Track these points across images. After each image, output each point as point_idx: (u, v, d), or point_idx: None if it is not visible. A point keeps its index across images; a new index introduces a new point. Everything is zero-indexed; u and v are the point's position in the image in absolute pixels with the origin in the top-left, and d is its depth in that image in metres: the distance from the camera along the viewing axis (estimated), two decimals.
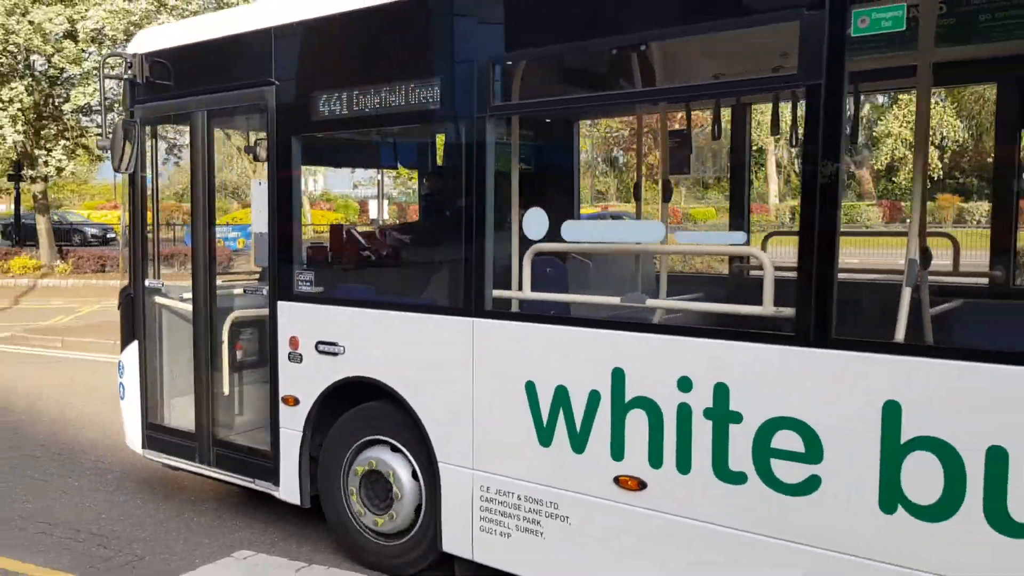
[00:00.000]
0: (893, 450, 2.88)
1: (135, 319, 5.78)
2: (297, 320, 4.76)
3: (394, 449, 4.48)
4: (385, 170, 8.39)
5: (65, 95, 21.44)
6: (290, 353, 4.80)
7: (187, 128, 5.33)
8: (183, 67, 5.32)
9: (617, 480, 3.56)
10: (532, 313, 3.92)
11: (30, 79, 20.99)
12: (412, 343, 4.25)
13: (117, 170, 5.52)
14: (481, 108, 3.86)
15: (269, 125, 4.79)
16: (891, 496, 2.90)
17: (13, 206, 29.66)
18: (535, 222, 3.80)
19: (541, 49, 3.99)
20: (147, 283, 5.71)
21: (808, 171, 2.99)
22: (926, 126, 3.57)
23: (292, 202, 4.79)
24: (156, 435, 5.74)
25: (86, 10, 19.69)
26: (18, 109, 20.12)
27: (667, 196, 5.37)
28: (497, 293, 3.99)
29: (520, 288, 3.95)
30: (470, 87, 3.89)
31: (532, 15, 3.89)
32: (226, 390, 5.33)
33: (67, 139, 22.29)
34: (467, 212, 3.97)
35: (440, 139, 4.54)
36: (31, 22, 19.57)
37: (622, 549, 3.60)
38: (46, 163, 21.36)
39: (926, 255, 3.85)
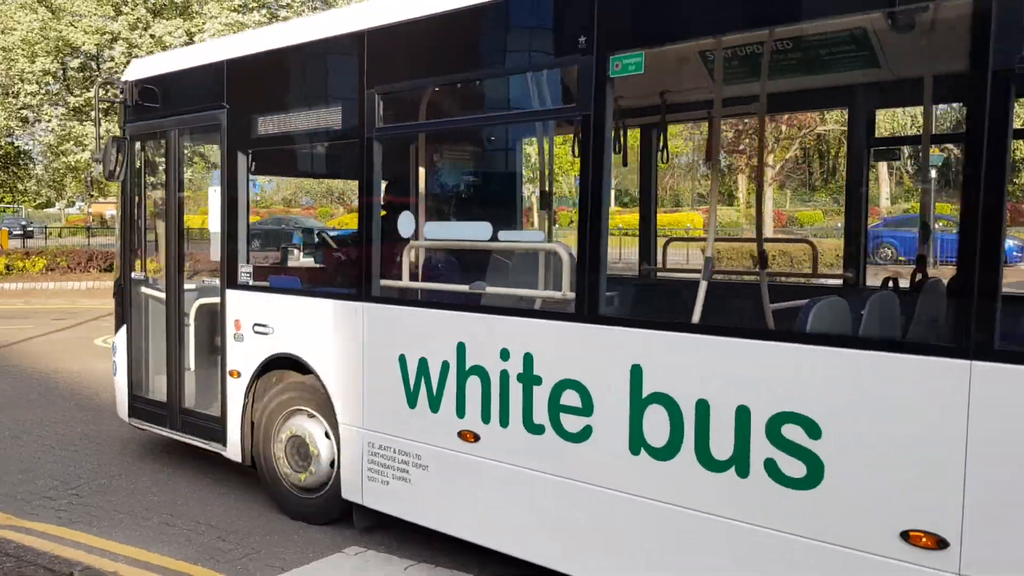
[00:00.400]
0: (637, 404, 3.63)
1: (123, 307, 6.78)
2: (240, 305, 5.67)
3: (311, 416, 5.35)
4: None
5: None
6: (235, 334, 5.71)
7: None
8: (162, 92, 6.30)
9: (460, 434, 4.37)
10: (401, 298, 4.76)
11: None
12: (320, 324, 5.13)
13: (110, 179, 6.54)
14: (369, 130, 4.73)
15: (222, 141, 5.73)
16: (637, 441, 3.65)
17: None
18: (406, 223, 4.65)
19: (404, 84, 4.84)
20: (133, 275, 6.71)
21: (582, 185, 3.78)
22: (717, 147, 4.31)
23: (239, 205, 5.71)
24: (139, 405, 6.72)
25: (203, 23, 20.82)
26: None
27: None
28: (384, 282, 4.84)
29: (401, 278, 4.80)
30: (360, 113, 4.76)
31: (396, 61, 4.75)
32: (191, 366, 6.27)
33: None
34: (361, 214, 4.85)
35: (345, 154, 5.39)
36: (152, 35, 20.77)
37: (467, 490, 4.39)
38: None
39: (763, 258, 4.59)
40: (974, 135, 2.75)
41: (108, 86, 6.60)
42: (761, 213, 5.42)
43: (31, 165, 27.65)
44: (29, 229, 47.85)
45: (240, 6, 20.92)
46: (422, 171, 5.50)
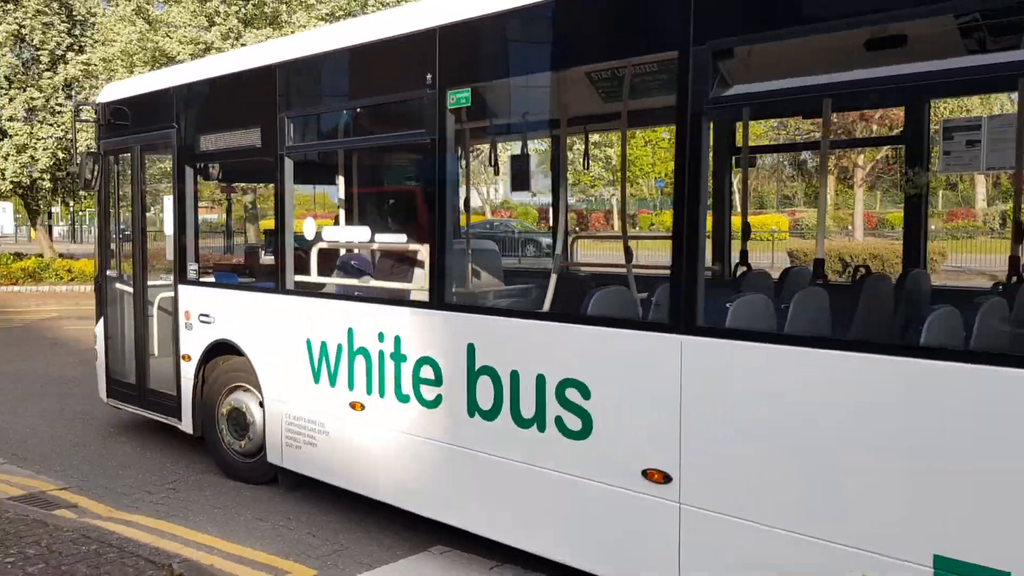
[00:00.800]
0: (471, 374, 4.44)
1: (101, 301, 7.71)
2: (189, 299, 6.57)
3: (246, 390, 6.23)
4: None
5: None
6: (186, 323, 6.60)
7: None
8: (129, 113, 7.21)
9: (351, 404, 5.21)
10: (307, 291, 5.61)
11: None
12: (249, 314, 6.00)
13: (85, 188, 7.49)
14: (281, 148, 5.59)
15: (173, 156, 6.62)
16: (472, 406, 4.47)
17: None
18: (309, 228, 5.50)
19: (308, 110, 5.70)
20: (108, 273, 7.64)
21: (439, 194, 4.60)
22: (565, 161, 5.10)
23: (187, 211, 6.60)
24: (115, 387, 7.65)
25: (291, 32, 20.95)
26: None
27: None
28: (298, 278, 5.70)
29: (310, 274, 5.65)
30: (275, 134, 5.62)
31: (301, 90, 5.60)
32: (155, 352, 7.18)
33: None
34: (276, 219, 5.71)
35: (266, 168, 6.25)
36: (243, 45, 20.87)
37: (357, 452, 5.24)
38: None
39: (628, 254, 5.38)
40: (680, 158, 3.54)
41: (83, 107, 7.51)
42: (625, 213, 6.21)
43: None
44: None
45: (327, 15, 21.32)
46: (342, 182, 6.35)
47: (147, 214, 7.25)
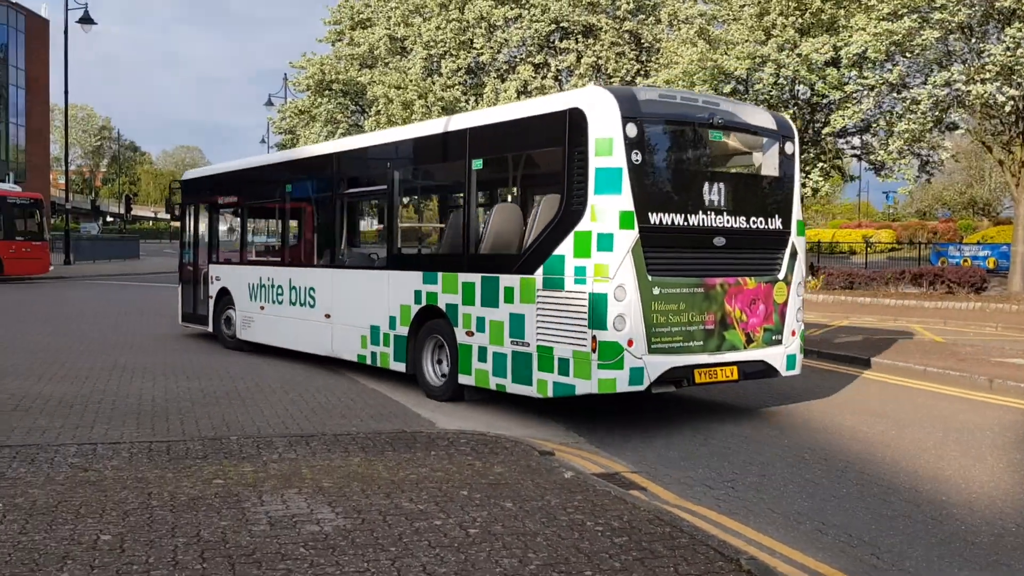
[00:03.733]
0: (291, 289, 12.35)
1: (181, 275, 16.12)
2: (213, 269, 14.77)
3: (230, 305, 14.27)
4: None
5: (824, 120, 23.03)
6: (213, 281, 14.78)
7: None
8: (191, 184, 15.64)
9: (260, 308, 13.17)
10: (248, 262, 13.74)
11: (794, 107, 23.13)
12: (233, 274, 14.14)
13: (172, 219, 16.11)
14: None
15: (199, 206, 15.00)
16: (290, 300, 12.35)
17: None
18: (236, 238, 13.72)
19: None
20: (184, 260, 16.03)
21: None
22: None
23: (212, 233, 14.84)
24: (185, 316, 15.96)
25: (849, 36, 20.66)
26: None
27: None
28: (249, 258, 13.79)
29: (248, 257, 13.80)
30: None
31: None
32: (203, 296, 15.41)
33: (823, 161, 23.75)
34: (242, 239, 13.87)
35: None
36: (799, 55, 21.08)
37: (268, 326, 13.21)
38: (803, 184, 21.90)
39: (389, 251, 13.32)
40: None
41: (174, 184, 16.14)
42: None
43: None
44: None
45: (889, 14, 19.89)
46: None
47: (198, 233, 15.59)
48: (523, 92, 25.52)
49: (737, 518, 5.69)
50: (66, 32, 35.21)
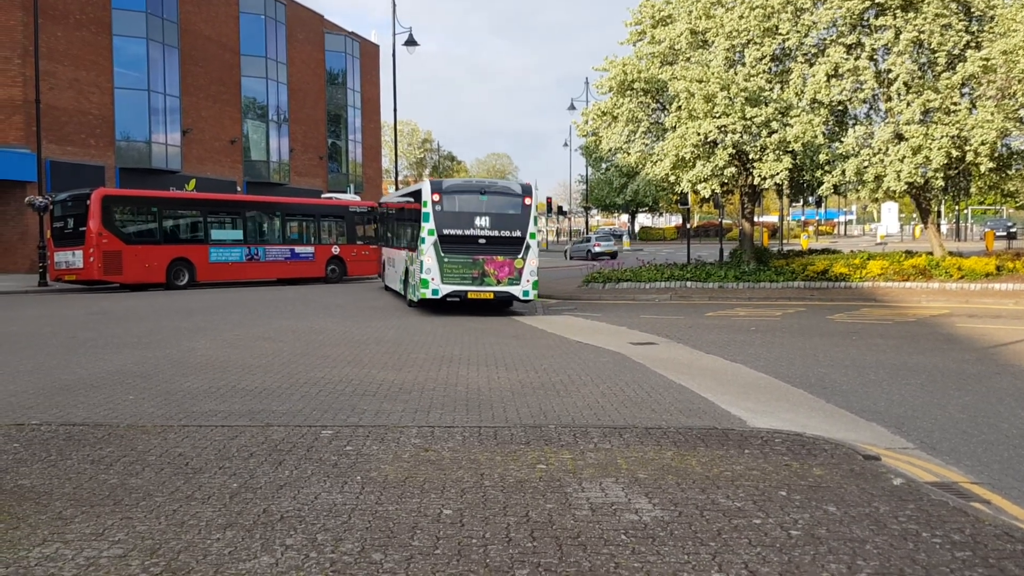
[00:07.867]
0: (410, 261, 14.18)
1: (379, 259, 20.31)
2: (383, 253, 19.85)
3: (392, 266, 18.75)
4: None
5: None
6: (383, 263, 18.40)
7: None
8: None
9: (405, 272, 13.86)
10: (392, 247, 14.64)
11: None
12: (390, 256, 17.66)
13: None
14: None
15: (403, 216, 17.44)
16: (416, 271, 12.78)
17: None
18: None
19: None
20: (384, 251, 19.36)
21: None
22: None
23: (387, 233, 16.08)
24: (385, 286, 19.45)
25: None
26: None
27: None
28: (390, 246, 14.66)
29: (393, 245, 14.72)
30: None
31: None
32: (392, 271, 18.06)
33: None
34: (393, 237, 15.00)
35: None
36: None
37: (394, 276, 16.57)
38: None
39: None
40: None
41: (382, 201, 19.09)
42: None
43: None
44: (1012, 230, 50.96)
45: None
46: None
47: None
48: (833, 75, 23.72)
49: None
50: (394, 55, 38.79)
